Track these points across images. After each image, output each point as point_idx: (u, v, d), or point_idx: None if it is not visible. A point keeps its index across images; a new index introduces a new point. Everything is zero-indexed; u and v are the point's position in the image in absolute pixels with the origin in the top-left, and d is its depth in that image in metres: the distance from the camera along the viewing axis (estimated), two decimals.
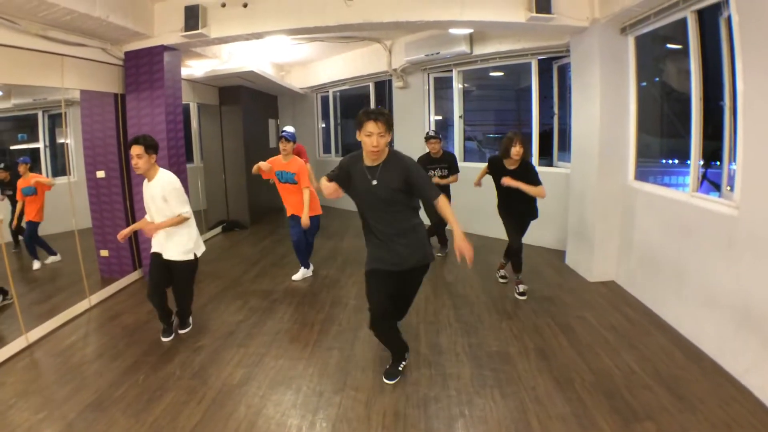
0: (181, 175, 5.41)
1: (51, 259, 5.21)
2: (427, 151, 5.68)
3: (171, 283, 3.82)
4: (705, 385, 3.01)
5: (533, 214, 4.59)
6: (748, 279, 2.99)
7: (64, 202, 4.72)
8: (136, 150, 3.54)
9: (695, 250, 3.59)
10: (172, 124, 5.15)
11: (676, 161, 4.99)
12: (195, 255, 3.80)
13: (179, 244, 3.72)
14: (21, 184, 4.87)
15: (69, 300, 4.42)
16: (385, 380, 3.18)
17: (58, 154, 5.52)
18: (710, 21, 3.63)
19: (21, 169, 4.87)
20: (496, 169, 4.45)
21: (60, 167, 5.48)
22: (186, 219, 3.70)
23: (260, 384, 3.17)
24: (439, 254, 6.10)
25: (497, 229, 6.41)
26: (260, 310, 4.43)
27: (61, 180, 5.31)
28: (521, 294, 4.60)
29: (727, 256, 3.20)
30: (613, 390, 2.99)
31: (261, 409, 2.89)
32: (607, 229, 4.89)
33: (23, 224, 4.95)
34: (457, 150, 7.43)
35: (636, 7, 4.04)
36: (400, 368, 3.24)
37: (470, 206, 6.08)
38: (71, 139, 5.27)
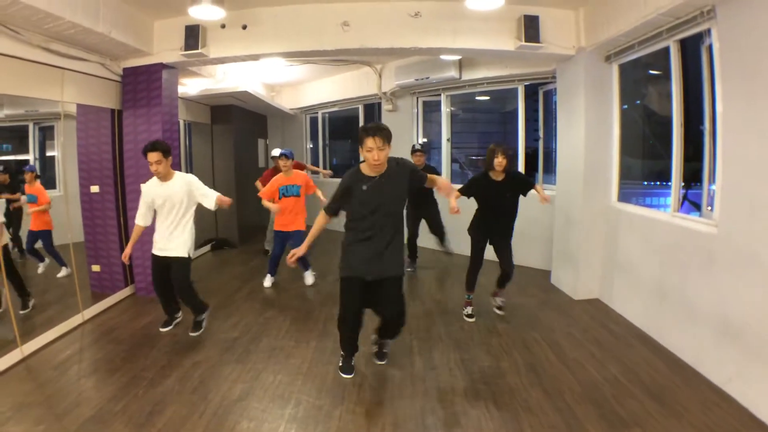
0: None
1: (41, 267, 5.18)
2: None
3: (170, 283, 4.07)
4: (688, 393, 3.16)
5: (511, 234, 4.55)
6: (728, 293, 3.17)
7: (59, 216, 4.75)
8: (155, 156, 3.75)
9: (676, 266, 3.77)
10: (168, 141, 5.17)
11: (657, 182, 5.21)
12: (189, 255, 4.04)
13: (181, 242, 3.98)
14: (27, 190, 4.93)
15: (62, 314, 4.40)
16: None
17: (48, 167, 5.52)
18: (692, 49, 3.87)
19: (27, 177, 4.92)
20: (482, 185, 4.34)
21: (50, 180, 5.48)
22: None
23: (260, 398, 3.21)
24: (409, 269, 6.20)
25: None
26: (255, 327, 4.47)
27: (51, 193, 5.33)
28: (498, 308, 4.79)
29: (707, 272, 3.38)
30: (601, 400, 3.11)
31: (263, 423, 2.93)
32: (591, 248, 5.07)
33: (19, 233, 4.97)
34: (445, 172, 7.61)
35: (621, 36, 4.27)
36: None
37: (449, 227, 6.18)
38: (61, 153, 5.30)
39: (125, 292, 5.30)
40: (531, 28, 4.65)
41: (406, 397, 3.21)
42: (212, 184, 8.16)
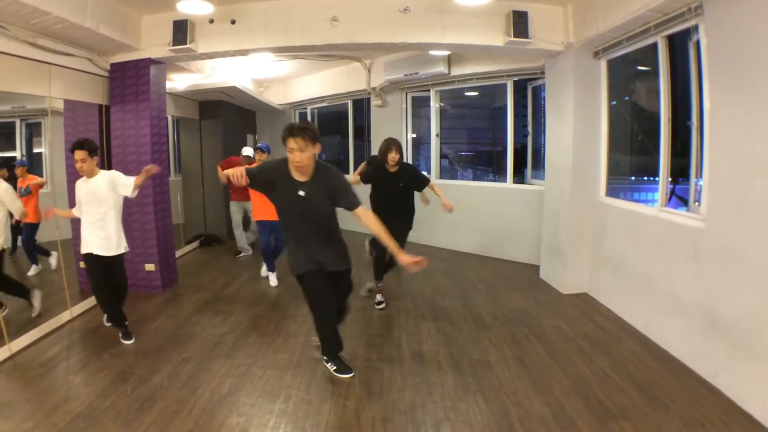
0: (164, 188, 5.44)
1: (51, 260, 5.15)
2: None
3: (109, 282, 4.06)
4: (676, 387, 3.21)
5: (410, 225, 4.75)
6: (715, 286, 3.21)
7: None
8: (80, 155, 3.77)
9: (664, 260, 3.81)
10: (157, 137, 5.18)
11: (645, 178, 5.26)
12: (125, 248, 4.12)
13: (120, 239, 4.06)
14: (19, 184, 4.87)
15: (50, 311, 4.38)
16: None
17: (35, 164, 5.46)
18: (680, 45, 3.90)
19: (18, 171, 4.88)
20: (376, 171, 4.60)
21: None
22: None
23: (250, 393, 3.21)
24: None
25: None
26: (244, 322, 4.47)
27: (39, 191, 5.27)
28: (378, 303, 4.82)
29: (694, 265, 3.42)
30: (589, 393, 3.15)
31: (252, 418, 2.93)
32: (579, 243, 5.11)
33: (21, 225, 4.90)
34: (434, 168, 7.65)
35: (609, 32, 4.29)
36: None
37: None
38: (48, 149, 5.23)
39: None
40: (520, 23, 4.66)
41: (395, 391, 3.23)
42: (201, 180, 8.18)
